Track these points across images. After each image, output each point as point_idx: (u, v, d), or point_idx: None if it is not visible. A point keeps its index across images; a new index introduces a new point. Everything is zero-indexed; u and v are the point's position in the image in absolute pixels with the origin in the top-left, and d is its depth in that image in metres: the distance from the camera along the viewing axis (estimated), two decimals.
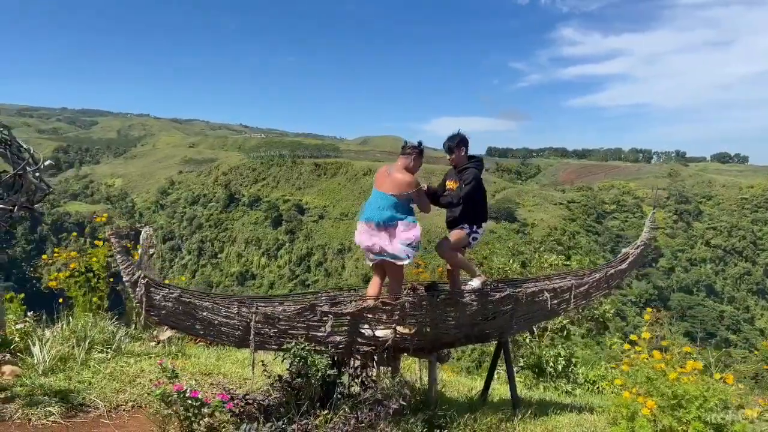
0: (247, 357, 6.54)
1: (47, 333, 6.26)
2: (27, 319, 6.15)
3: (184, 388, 4.53)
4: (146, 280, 4.43)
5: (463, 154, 5.85)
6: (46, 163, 5.99)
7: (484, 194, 5.88)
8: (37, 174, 5.87)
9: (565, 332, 9.74)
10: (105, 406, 5.24)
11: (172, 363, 5.57)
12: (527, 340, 9.65)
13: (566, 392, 8.12)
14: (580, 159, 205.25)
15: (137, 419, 5.13)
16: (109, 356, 6.28)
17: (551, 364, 8.77)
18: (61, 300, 7.32)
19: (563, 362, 8.74)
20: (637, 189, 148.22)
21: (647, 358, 4.29)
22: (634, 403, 4.02)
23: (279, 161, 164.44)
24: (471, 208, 5.71)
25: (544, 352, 8.99)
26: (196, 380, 5.99)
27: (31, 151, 5.96)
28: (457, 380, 7.89)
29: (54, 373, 5.68)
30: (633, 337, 4.75)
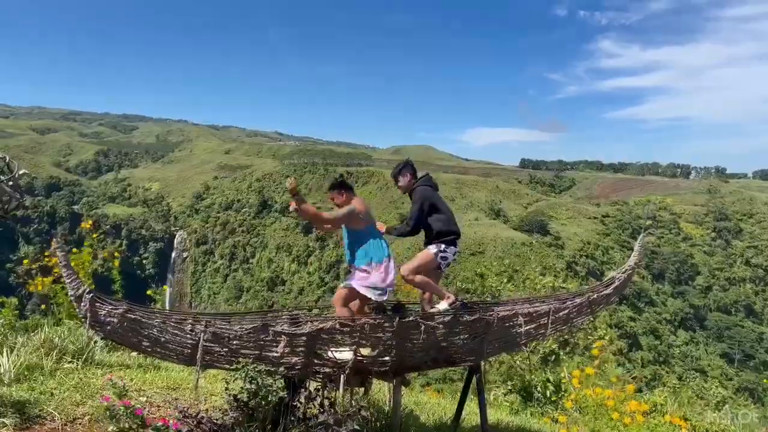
0: (218, 373, 6.46)
1: (19, 341, 6.28)
2: None
3: (127, 405, 4.46)
4: (91, 294, 4.38)
5: (408, 178, 5.90)
6: (21, 172, 6.04)
7: (438, 210, 5.70)
8: (11, 183, 5.92)
9: (554, 357, 9.41)
10: (62, 418, 5.20)
11: (120, 379, 5.48)
12: (517, 362, 9.37)
13: (553, 419, 7.81)
14: (615, 173, 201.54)
15: None
16: (78, 366, 6.27)
17: (539, 389, 8.47)
18: (43, 306, 7.36)
19: (552, 387, 8.43)
20: (675, 204, 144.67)
21: (593, 395, 4.06)
22: None
23: (312, 169, 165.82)
24: (430, 227, 5.60)
25: (533, 377, 8.69)
26: (146, 395, 5.89)
27: (7, 161, 6.02)
28: (437, 402, 7.67)
29: (19, 383, 5.68)
30: (576, 372, 4.50)
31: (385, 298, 5.42)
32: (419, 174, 6.03)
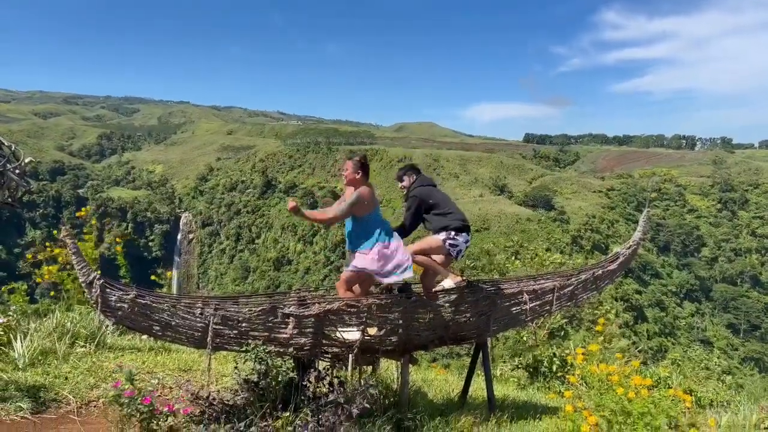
0: (228, 354, 6.55)
1: (32, 327, 6.37)
2: (11, 313, 6.26)
3: (135, 394, 4.53)
4: (102, 281, 4.44)
5: (414, 179, 5.98)
6: (27, 160, 6.06)
7: (436, 207, 5.73)
8: (17, 171, 5.95)
9: (563, 332, 9.48)
10: (77, 402, 5.31)
11: (131, 362, 5.57)
12: (524, 338, 9.45)
13: (559, 393, 7.90)
14: (620, 146, 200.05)
15: (106, 416, 5.17)
16: (90, 350, 6.36)
17: (546, 364, 8.56)
18: (52, 293, 7.44)
19: (558, 362, 8.52)
20: (680, 176, 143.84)
21: (597, 371, 4.12)
22: (577, 417, 3.86)
23: (315, 148, 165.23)
24: (432, 220, 5.67)
25: (539, 352, 8.78)
26: (157, 377, 5.98)
27: (13, 149, 6.04)
28: (444, 379, 7.77)
29: (33, 367, 5.78)
30: (579, 350, 4.56)
31: (388, 280, 5.42)
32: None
